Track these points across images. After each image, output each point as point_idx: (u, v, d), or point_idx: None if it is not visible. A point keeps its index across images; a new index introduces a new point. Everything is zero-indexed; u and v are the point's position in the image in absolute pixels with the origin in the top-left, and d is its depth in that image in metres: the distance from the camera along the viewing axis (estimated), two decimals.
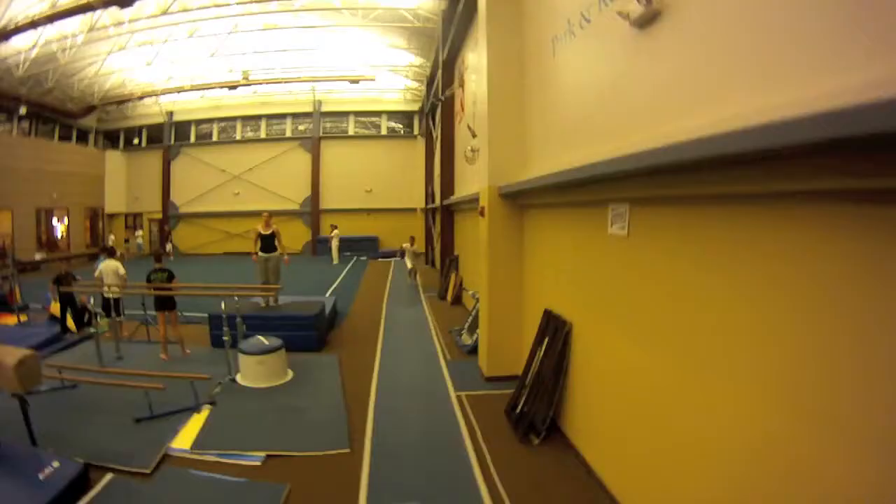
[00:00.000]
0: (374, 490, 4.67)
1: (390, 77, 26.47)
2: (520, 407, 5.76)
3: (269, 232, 10.10)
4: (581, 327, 5.14)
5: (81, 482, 4.81)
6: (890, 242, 1.83)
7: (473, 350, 8.47)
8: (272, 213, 10.80)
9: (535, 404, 5.55)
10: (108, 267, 9.61)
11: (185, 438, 5.79)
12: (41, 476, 4.74)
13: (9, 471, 4.87)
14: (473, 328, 8.98)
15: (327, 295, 13.72)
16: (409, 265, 17.61)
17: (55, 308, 11.08)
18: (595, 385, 4.83)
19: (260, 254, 10.08)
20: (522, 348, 6.73)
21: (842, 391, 2.04)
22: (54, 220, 25.11)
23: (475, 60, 10.56)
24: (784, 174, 2.19)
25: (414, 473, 4.96)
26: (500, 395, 6.59)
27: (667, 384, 3.41)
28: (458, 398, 6.80)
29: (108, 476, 4.99)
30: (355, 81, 25.57)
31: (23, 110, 22.42)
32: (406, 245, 17.83)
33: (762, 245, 2.49)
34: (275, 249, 10.12)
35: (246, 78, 25.44)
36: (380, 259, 25.40)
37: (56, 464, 4.88)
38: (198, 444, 5.67)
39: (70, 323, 10.67)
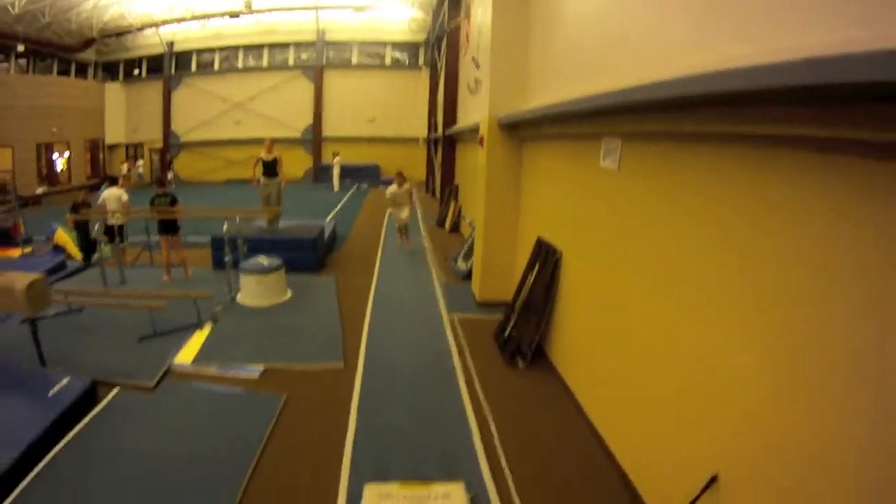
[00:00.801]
0: (365, 402, 4.95)
1: (395, 6, 25.62)
2: (508, 331, 6.00)
3: (270, 158, 10.14)
4: (570, 256, 5.28)
5: (89, 398, 5.05)
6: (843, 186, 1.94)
7: (468, 276, 8.68)
8: (274, 140, 10.78)
9: (522, 329, 5.78)
10: (111, 194, 9.69)
11: (187, 354, 6.06)
12: (50, 393, 5.00)
13: (20, 390, 5.13)
14: (469, 255, 9.15)
15: (327, 220, 13.84)
16: (401, 215, 11.37)
17: (59, 238, 11.24)
18: (580, 313, 5.02)
19: (262, 178, 10.16)
20: (514, 275, 6.91)
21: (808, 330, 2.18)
22: (55, 155, 24.89)
23: None
24: (764, 118, 2.24)
25: (404, 388, 5.24)
26: (491, 319, 6.81)
27: (646, 315, 3.56)
28: (451, 320, 7.06)
29: (115, 391, 5.25)
30: (360, 10, 24.76)
31: (20, 48, 21.81)
32: (393, 188, 11.23)
33: (742, 185, 2.56)
34: (276, 175, 10.19)
35: (248, 6, 24.59)
36: (381, 187, 25.35)
37: (64, 381, 5.11)
38: (199, 358, 5.95)
39: (76, 251, 10.85)
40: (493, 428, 4.49)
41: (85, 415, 4.85)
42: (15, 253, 11.39)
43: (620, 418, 4.01)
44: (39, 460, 4.14)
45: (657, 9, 3.45)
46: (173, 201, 8.87)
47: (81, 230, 10.59)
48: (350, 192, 22.10)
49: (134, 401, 5.15)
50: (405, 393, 5.15)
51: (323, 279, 9.02)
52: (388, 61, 28.58)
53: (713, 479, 2.67)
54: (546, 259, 5.67)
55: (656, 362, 3.40)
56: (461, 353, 6.02)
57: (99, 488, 3.84)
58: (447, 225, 13.79)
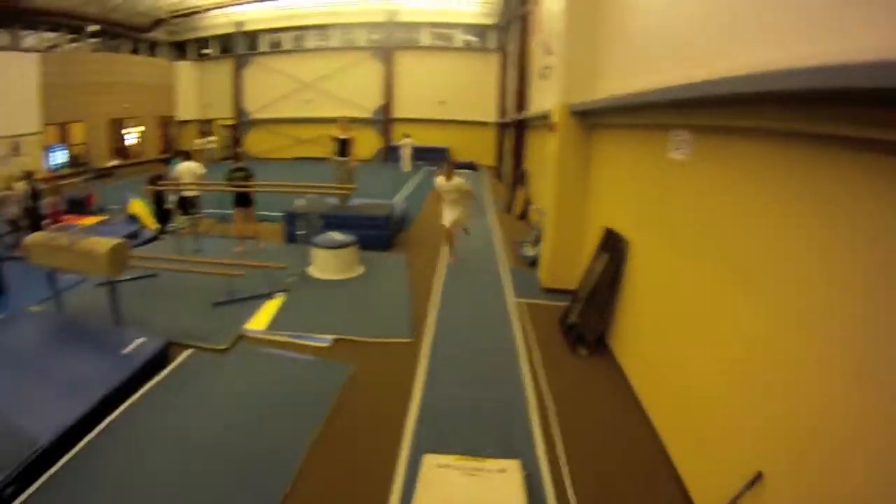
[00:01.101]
0: (430, 376, 5.17)
1: None
2: (572, 318, 6.04)
3: (344, 137, 10.46)
4: (638, 247, 5.26)
5: (162, 357, 5.41)
6: None
7: (534, 262, 8.74)
8: (349, 120, 11.05)
9: (586, 317, 5.80)
10: (187, 168, 10.12)
11: (259, 321, 6.42)
12: (125, 351, 5.39)
13: (97, 347, 5.55)
14: (537, 241, 9.19)
15: (397, 200, 14.10)
16: (446, 217, 8.90)
17: (134, 208, 11.96)
18: (644, 305, 5.01)
19: (335, 157, 10.49)
20: (581, 263, 6.92)
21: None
22: (127, 130, 26.31)
23: None
24: (843, 119, 2.21)
25: (467, 365, 5.43)
26: (556, 306, 6.86)
27: (717, 309, 3.50)
28: (516, 304, 7.17)
29: (188, 352, 5.61)
30: None
31: (92, 28, 23.18)
32: (440, 179, 8.87)
33: (816, 182, 2.52)
34: (348, 154, 10.50)
35: None
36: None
37: (140, 341, 5.50)
38: (272, 326, 6.28)
39: (150, 220, 11.52)
40: (550, 411, 4.60)
41: (157, 373, 5.20)
42: (90, 221, 12.18)
43: (674, 411, 4.03)
44: (112, 412, 4.52)
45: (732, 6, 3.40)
46: (248, 176, 9.29)
47: (157, 201, 11.27)
48: (420, 174, 22.36)
49: (206, 362, 5.51)
50: (468, 370, 5.34)
51: (393, 257, 9.30)
52: (458, 43, 28.43)
53: (758, 477, 2.69)
54: (613, 248, 5.66)
55: (717, 355, 3.39)
56: (525, 336, 6.14)
57: (167, 441, 4.19)
58: (515, 211, 13.79)
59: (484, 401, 4.78)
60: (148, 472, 3.85)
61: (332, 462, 3.95)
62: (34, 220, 10.64)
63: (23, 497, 3.60)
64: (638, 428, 4.40)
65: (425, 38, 28.39)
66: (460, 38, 28.21)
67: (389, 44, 28.20)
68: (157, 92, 27.97)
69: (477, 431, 4.29)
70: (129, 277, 7.30)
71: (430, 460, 3.83)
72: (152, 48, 28.71)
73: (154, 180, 10.92)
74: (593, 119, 6.91)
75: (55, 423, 4.20)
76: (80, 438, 4.18)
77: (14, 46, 19.84)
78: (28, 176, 11.34)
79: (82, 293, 7.32)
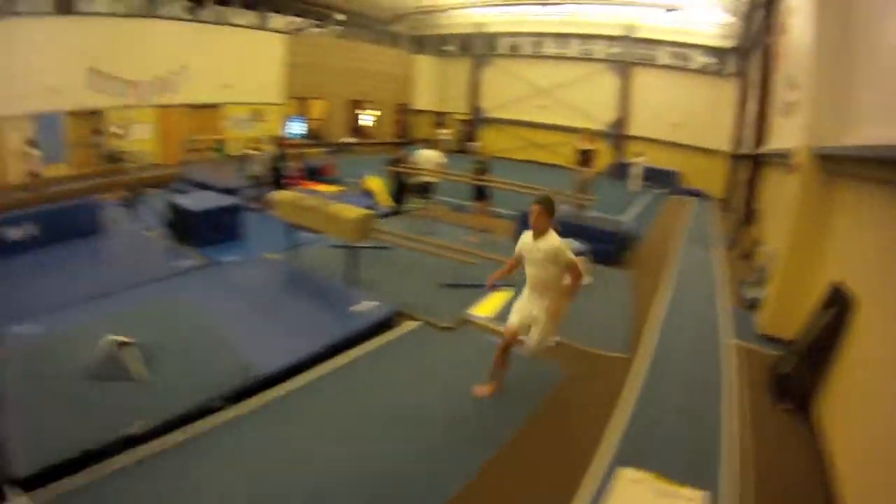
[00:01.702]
0: (637, 393, 5.52)
1: (707, 9, 24.17)
2: (783, 369, 5.96)
3: (586, 148, 10.96)
4: (871, 310, 4.95)
5: (387, 322, 6.12)
6: None
7: (754, 304, 8.47)
8: (592, 133, 11.32)
9: (798, 372, 5.70)
10: (429, 156, 11.02)
11: (485, 308, 7.05)
12: (353, 308, 6.18)
13: (326, 300, 6.49)
14: (760, 283, 8.88)
15: (625, 217, 14.17)
16: (515, 315, 5.17)
17: (369, 184, 13.46)
18: (867, 374, 4.69)
19: (577, 167, 10.99)
20: (802, 314, 6.64)
21: None
22: (363, 111, 29.91)
23: (798, 4, 9.50)
24: None
25: (675, 392, 5.70)
26: (769, 353, 6.75)
27: None
28: (732, 344, 7.14)
29: (414, 323, 6.29)
30: (671, 10, 24.12)
31: (338, 17, 27.03)
32: (527, 238, 5.09)
33: None
34: (589, 165, 10.96)
35: None
36: (680, 195, 24.45)
37: (370, 304, 6.25)
38: (496, 316, 6.85)
39: (385, 198, 12.81)
40: (745, 455, 4.71)
41: (382, 335, 5.91)
42: (328, 189, 13.78)
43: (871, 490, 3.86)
44: (333, 361, 5.36)
45: None
46: (484, 170, 10.11)
47: (396, 181, 12.42)
48: (648, 196, 21.93)
49: (430, 335, 6.21)
50: (675, 396, 5.61)
51: (618, 272, 9.65)
52: (695, 65, 27.05)
53: None
54: (840, 307, 5.47)
55: None
56: (735, 377, 6.19)
57: (382, 396, 4.98)
58: (741, 248, 13.13)
59: (684, 429, 5.05)
60: (358, 418, 4.68)
61: (521, 458, 4.43)
62: (276, 179, 12.51)
63: (231, 413, 4.60)
64: (823, 495, 4.33)
65: (663, 57, 27.59)
66: (698, 59, 26.93)
67: (627, 58, 27.98)
68: (395, 80, 31.19)
69: (672, 457, 4.58)
70: (365, 246, 7.84)
71: (624, 474, 4.16)
72: (393, 40, 31.96)
73: (395, 162, 11.91)
74: (838, 166, 6.53)
75: (279, 359, 5.22)
76: (299, 377, 5.09)
77: (261, 26, 23.75)
78: (278, 141, 13.52)
79: (315, 251, 8.42)
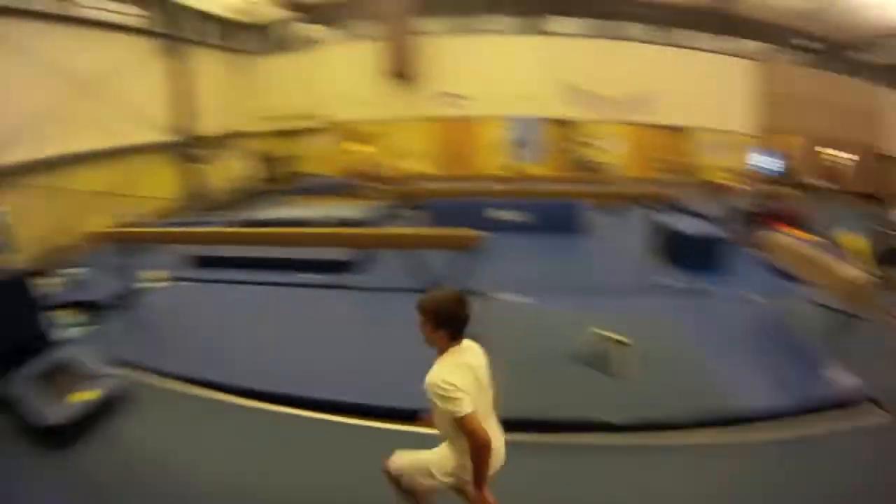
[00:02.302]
0: None
1: None
2: None
3: None
4: None
5: (855, 403, 5.11)
6: None
7: None
8: None
9: None
10: None
11: None
12: (826, 375, 5.46)
13: (802, 359, 5.85)
14: None
15: None
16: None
17: (847, 240, 10.60)
18: None
19: None
20: None
21: None
22: (831, 153, 24.07)
23: None
24: None
25: None
26: None
27: None
28: None
29: (888, 418, 5.00)
30: None
31: (814, 45, 22.74)
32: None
33: None
34: None
35: None
36: None
37: (845, 376, 5.38)
38: None
39: (870, 262, 9.65)
40: None
41: (840, 416, 5.02)
42: (806, 237, 10.98)
43: None
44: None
45: None
46: None
47: (885, 244, 10.16)
48: None
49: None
50: None
51: None
52: None
53: None
54: None
55: None
56: None
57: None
58: None
59: None
60: None
61: None
62: (759, 217, 11.64)
63: (692, 438, 4.64)
64: None
65: None
66: None
67: None
68: (865, 118, 25.27)
69: None
70: (854, 313, 6.41)
71: None
72: (856, 69, 25.69)
73: (886, 221, 10.39)
74: None
75: (755, 401, 5.12)
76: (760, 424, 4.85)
77: (732, 51, 22.09)
78: (754, 176, 12.25)
79: (797, 303, 7.41)
